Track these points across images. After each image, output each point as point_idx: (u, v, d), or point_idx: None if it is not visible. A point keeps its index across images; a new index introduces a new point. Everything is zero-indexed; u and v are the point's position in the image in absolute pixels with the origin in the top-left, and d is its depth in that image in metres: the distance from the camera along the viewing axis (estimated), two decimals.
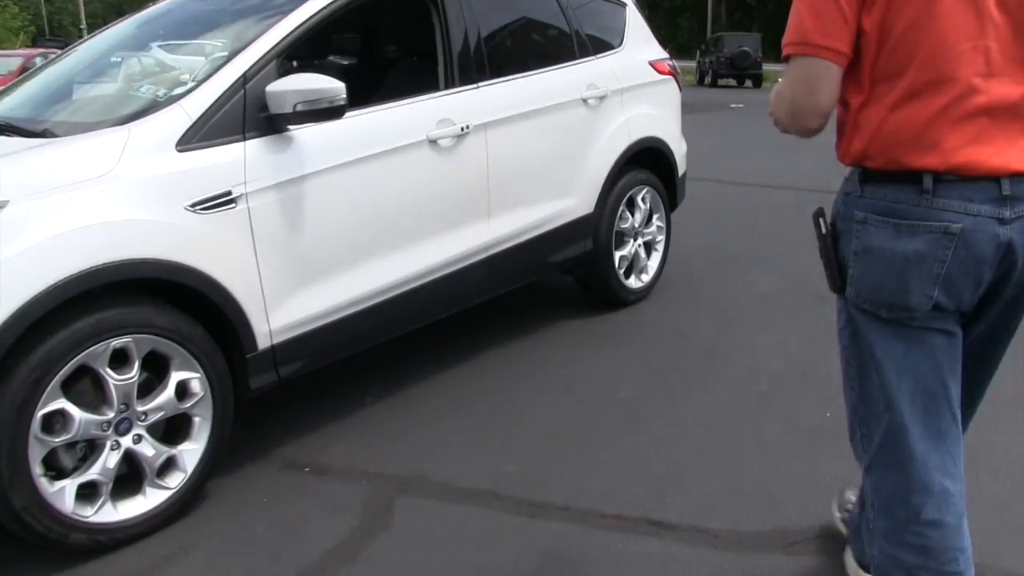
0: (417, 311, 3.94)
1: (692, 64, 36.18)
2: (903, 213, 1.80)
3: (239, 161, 3.14)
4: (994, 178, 1.76)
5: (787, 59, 1.85)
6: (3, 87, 4.30)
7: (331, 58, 5.22)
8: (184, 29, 4.11)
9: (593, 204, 4.82)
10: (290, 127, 3.28)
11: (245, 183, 3.14)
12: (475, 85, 4.10)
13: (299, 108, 3.17)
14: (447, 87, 4.03)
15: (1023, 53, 1.76)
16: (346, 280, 3.54)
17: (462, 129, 3.93)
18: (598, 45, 4.99)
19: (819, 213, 2.00)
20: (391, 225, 3.69)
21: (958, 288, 1.83)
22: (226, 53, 3.38)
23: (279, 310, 3.30)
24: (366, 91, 4.19)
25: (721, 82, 32.52)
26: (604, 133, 4.85)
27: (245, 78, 3.23)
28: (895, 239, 1.82)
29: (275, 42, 3.36)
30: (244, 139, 3.18)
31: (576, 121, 4.67)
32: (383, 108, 3.70)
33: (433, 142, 3.82)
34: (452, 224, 3.97)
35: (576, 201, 4.71)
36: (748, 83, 32.09)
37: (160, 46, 3.96)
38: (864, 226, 1.87)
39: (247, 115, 3.21)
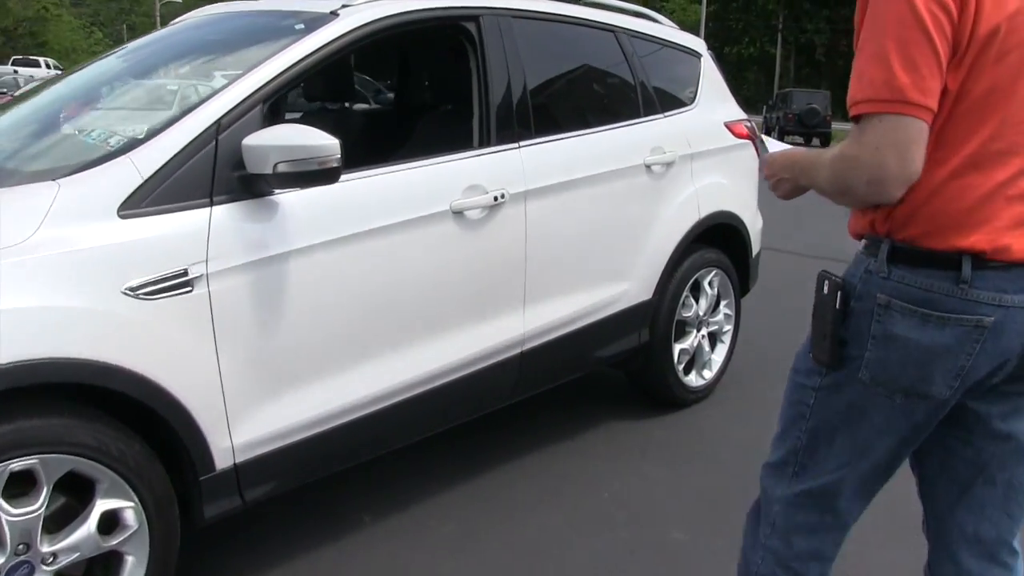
0: (426, 420, 3.21)
1: (758, 119, 35.38)
2: (935, 303, 1.64)
3: (201, 232, 2.45)
4: None
5: (857, 117, 1.60)
6: None
7: (341, 105, 4.54)
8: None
9: (652, 289, 4.05)
10: (272, 191, 2.59)
11: (207, 260, 2.44)
12: (516, 144, 3.37)
13: (281, 168, 2.47)
14: (481, 145, 3.31)
15: None
16: (336, 385, 2.81)
17: (496, 199, 3.20)
18: (667, 101, 4.25)
19: (838, 286, 1.77)
20: (397, 317, 2.96)
21: (976, 375, 1.69)
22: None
23: (246, 421, 2.60)
24: (379, 147, 3.52)
25: (788, 139, 31.62)
26: (669, 206, 4.08)
27: (219, 127, 2.55)
28: (921, 330, 1.66)
29: (262, 83, 2.68)
30: (211, 204, 2.50)
31: (637, 191, 3.92)
32: (395, 169, 2.99)
33: (458, 214, 3.09)
34: (476, 315, 3.24)
35: (632, 286, 3.95)
36: (816, 141, 31.13)
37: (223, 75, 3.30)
38: (887, 311, 1.69)
39: (217, 174, 2.52)
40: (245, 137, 2.53)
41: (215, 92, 2.64)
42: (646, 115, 4.09)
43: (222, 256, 2.48)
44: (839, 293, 1.76)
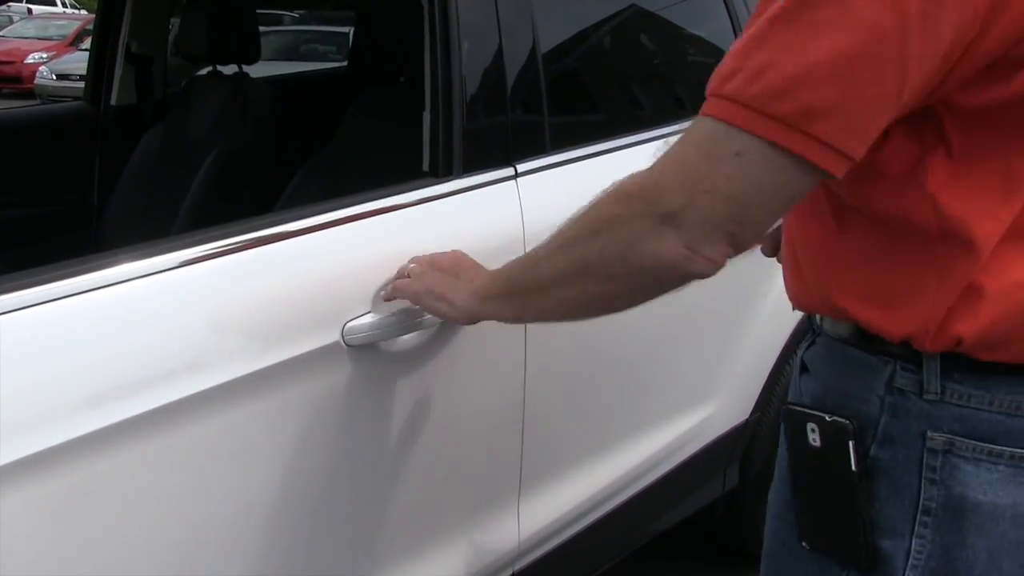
0: None
1: None
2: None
3: None
4: None
5: None
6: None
7: (239, 69, 2.63)
8: None
9: (749, 406, 2.33)
10: None
11: None
12: (508, 169, 1.63)
13: None
14: (435, 174, 1.57)
15: None
16: None
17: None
18: None
19: (844, 431, 0.96)
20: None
21: None
22: None
23: None
24: (252, 171, 1.82)
25: None
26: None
27: None
28: (1016, 488, 0.91)
29: None
30: None
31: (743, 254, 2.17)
32: (215, 248, 1.26)
33: (362, 348, 1.36)
34: (412, 536, 1.54)
35: (717, 407, 2.22)
36: None
37: None
38: (948, 460, 0.93)
39: None
40: None
41: None
42: None
43: None
44: (851, 444, 0.95)
